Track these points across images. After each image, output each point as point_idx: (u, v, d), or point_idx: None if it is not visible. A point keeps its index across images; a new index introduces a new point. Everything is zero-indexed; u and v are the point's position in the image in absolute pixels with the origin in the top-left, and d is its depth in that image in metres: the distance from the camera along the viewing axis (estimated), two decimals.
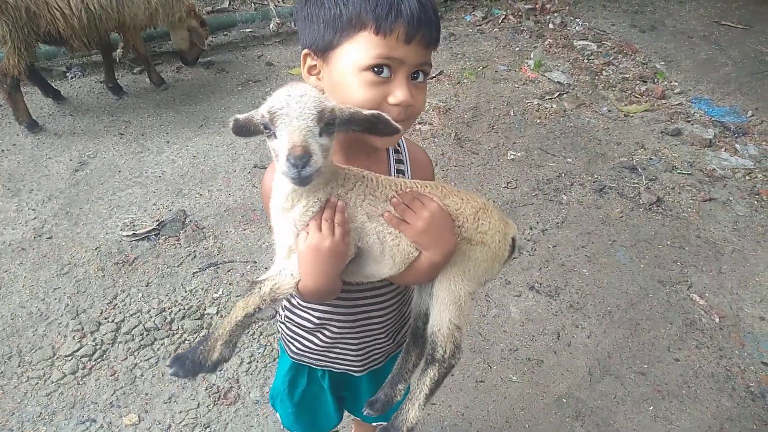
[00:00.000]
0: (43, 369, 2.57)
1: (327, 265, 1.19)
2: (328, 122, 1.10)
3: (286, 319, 1.60)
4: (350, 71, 1.20)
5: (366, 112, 1.13)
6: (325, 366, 1.65)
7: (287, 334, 1.63)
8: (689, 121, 4.85)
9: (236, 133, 1.19)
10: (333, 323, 1.51)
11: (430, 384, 1.38)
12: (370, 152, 1.36)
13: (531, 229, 3.62)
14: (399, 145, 1.43)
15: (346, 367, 1.63)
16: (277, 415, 2.46)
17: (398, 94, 1.19)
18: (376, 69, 1.18)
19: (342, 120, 1.12)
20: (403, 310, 1.59)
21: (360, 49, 1.18)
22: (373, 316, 1.51)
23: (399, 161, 1.41)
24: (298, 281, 1.22)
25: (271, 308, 1.25)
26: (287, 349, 1.67)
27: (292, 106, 1.07)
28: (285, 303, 1.58)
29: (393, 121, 1.13)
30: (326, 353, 1.60)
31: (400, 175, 1.40)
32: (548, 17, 6.37)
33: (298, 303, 1.53)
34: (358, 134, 1.19)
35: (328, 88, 1.24)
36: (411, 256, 1.27)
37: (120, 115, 4.28)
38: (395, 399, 1.51)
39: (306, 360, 1.66)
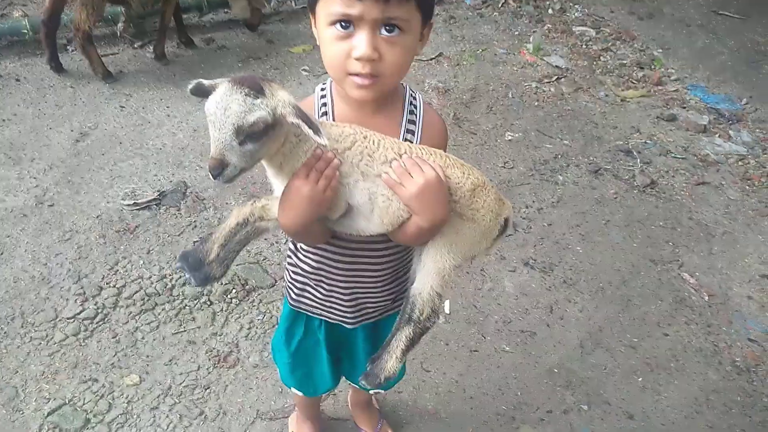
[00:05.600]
0: (45, 330, 2.62)
1: (301, 209, 1.24)
2: (250, 135, 1.11)
3: (288, 263, 1.67)
4: (322, 27, 1.26)
5: (289, 119, 1.14)
6: (320, 315, 1.71)
7: (288, 279, 1.71)
8: (685, 108, 4.91)
9: (194, 94, 1.21)
10: (327, 269, 1.57)
11: (405, 341, 1.47)
12: (377, 110, 1.39)
13: (527, 207, 3.67)
14: (415, 107, 1.44)
15: (340, 318, 1.69)
16: (276, 376, 2.55)
17: (358, 48, 1.21)
18: (342, 24, 1.21)
19: (268, 128, 1.14)
20: (399, 268, 1.63)
21: (325, 7, 1.23)
22: (368, 268, 1.56)
23: (411, 122, 1.43)
24: None
25: (260, 230, 1.35)
26: (288, 295, 1.74)
27: (217, 116, 1.11)
28: (290, 246, 1.64)
29: (313, 132, 1.13)
30: (322, 301, 1.66)
31: (410, 136, 1.42)
32: (548, 2, 6.38)
33: (300, 248, 1.59)
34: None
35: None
36: (400, 218, 1.32)
37: (120, 88, 4.29)
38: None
39: (303, 307, 1.72)
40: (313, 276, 1.61)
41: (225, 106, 1.10)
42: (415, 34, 1.27)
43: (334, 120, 1.40)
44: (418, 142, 1.41)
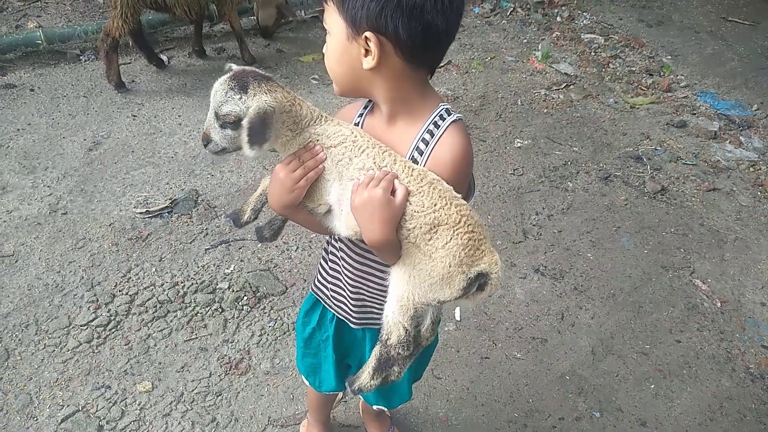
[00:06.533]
0: (59, 337, 2.64)
1: (275, 192, 1.36)
2: (225, 122, 1.25)
3: (323, 249, 1.74)
4: None
5: (244, 121, 1.24)
6: (331, 307, 1.75)
7: (319, 265, 1.77)
8: (695, 114, 4.90)
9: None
10: (339, 264, 1.62)
11: (374, 359, 1.41)
12: (393, 124, 1.39)
13: (537, 214, 3.67)
14: (437, 128, 1.35)
15: (346, 315, 1.72)
16: (287, 383, 2.57)
17: None
18: None
19: (241, 121, 1.25)
20: None
21: None
22: (375, 273, 1.56)
23: (424, 141, 1.36)
24: None
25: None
26: (314, 279, 1.80)
27: (211, 98, 1.28)
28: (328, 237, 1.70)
29: (248, 142, 1.24)
30: (333, 294, 1.71)
31: (417, 154, 1.36)
32: (556, 10, 6.41)
33: (330, 238, 1.65)
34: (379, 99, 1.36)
35: None
36: (358, 227, 1.32)
37: (133, 97, 4.34)
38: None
39: (320, 295, 1.78)
40: (330, 266, 1.67)
41: (215, 92, 1.27)
42: (338, 38, 1.29)
43: (362, 128, 1.43)
44: (424, 163, 1.35)
